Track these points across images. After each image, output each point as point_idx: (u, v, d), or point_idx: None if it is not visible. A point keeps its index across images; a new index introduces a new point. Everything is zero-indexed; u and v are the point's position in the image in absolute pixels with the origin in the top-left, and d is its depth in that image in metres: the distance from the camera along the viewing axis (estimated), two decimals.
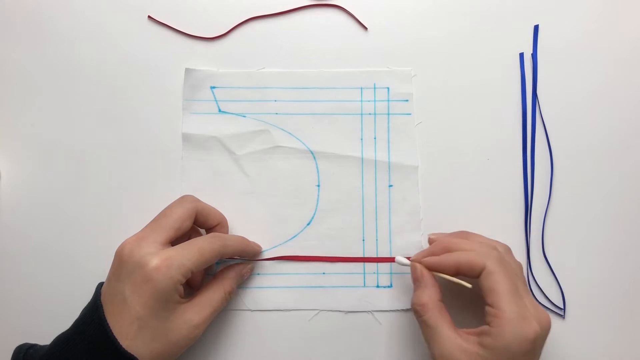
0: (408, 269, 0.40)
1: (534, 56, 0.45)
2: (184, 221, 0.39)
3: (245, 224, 0.44)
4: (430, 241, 0.42)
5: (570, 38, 0.45)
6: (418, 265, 0.39)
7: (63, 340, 0.36)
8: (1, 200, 0.45)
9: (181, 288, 0.36)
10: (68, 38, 0.46)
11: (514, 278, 0.36)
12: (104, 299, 0.36)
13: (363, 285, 0.43)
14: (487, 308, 0.35)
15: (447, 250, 0.39)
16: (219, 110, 0.45)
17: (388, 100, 0.45)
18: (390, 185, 0.44)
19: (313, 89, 0.45)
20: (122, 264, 0.36)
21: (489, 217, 0.44)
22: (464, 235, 0.41)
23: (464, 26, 0.45)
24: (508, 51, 0.45)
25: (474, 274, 0.36)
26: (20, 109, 0.45)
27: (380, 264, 0.43)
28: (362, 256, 0.43)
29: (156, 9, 0.46)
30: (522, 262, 0.43)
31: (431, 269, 0.38)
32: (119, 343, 0.34)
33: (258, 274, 0.43)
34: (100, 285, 0.38)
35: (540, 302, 0.43)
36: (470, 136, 0.45)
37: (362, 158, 0.44)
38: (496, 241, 0.40)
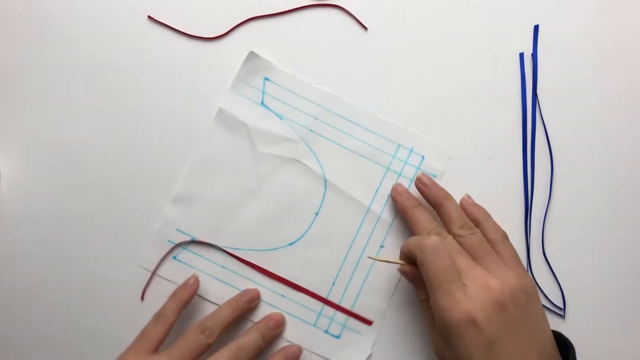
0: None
1: (534, 56, 0.45)
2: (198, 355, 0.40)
3: (235, 217, 0.44)
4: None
5: (570, 38, 0.45)
6: (405, 267, 0.39)
7: None
8: (1, 200, 0.45)
9: None
10: (68, 38, 0.46)
11: (447, 264, 0.36)
12: None
13: (314, 324, 0.43)
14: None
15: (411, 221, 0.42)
16: (261, 102, 0.44)
17: (418, 168, 0.44)
18: (382, 246, 0.44)
19: (355, 124, 0.44)
20: None
21: None
22: (440, 198, 0.42)
23: (464, 26, 0.45)
24: (508, 51, 0.45)
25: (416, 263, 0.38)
26: (20, 109, 0.45)
27: (338, 313, 0.43)
28: (325, 297, 0.43)
29: (156, 9, 0.46)
30: (521, 262, 0.44)
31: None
32: None
33: (224, 267, 0.44)
34: None
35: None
36: (470, 136, 0.45)
37: (369, 209, 0.44)
38: (465, 211, 0.41)
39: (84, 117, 0.45)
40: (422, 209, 0.42)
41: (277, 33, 0.46)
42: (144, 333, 0.40)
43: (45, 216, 0.43)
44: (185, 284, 0.43)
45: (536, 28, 0.45)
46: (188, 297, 0.42)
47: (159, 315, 0.41)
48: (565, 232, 0.44)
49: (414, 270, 0.38)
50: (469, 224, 0.40)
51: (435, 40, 0.45)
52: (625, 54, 0.45)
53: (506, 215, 0.44)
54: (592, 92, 0.45)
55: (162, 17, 0.46)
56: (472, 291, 0.35)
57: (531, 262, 0.44)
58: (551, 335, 0.37)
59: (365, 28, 0.46)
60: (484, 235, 0.39)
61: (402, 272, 0.39)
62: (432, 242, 0.37)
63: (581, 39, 0.45)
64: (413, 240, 0.38)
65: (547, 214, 0.44)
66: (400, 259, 0.40)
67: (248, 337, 0.41)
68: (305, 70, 0.45)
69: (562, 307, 0.43)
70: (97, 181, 0.44)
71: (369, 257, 0.42)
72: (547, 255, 0.44)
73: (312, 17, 0.46)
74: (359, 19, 0.45)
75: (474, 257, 0.38)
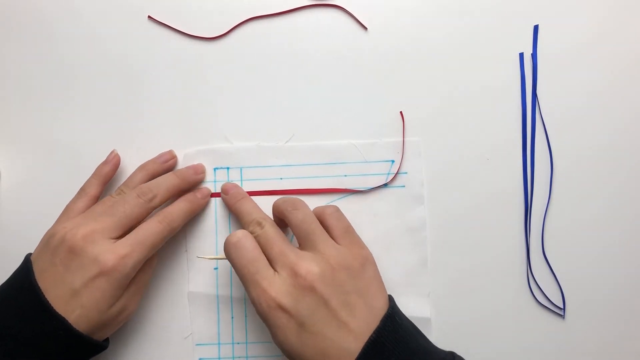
0: None
1: (534, 56, 0.45)
2: (139, 221, 0.40)
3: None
4: None
5: (570, 38, 0.45)
6: None
7: None
8: (1, 200, 0.45)
9: (131, 278, 0.38)
10: (68, 38, 0.46)
11: (248, 257, 0.36)
12: (39, 276, 0.36)
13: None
14: None
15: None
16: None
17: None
18: None
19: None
20: (74, 255, 0.36)
21: (489, 217, 0.44)
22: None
23: (464, 26, 0.45)
24: (508, 51, 0.45)
25: None
26: (20, 109, 0.45)
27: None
28: None
29: (156, 9, 0.46)
30: (521, 262, 0.44)
31: None
32: (66, 320, 0.35)
33: None
34: (29, 255, 0.39)
35: (540, 302, 0.43)
36: (470, 136, 0.45)
37: None
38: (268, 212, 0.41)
39: (84, 117, 0.45)
40: (246, 200, 0.42)
41: (277, 33, 0.46)
42: (67, 208, 0.41)
43: (46, 216, 0.43)
44: (106, 160, 0.43)
45: (536, 28, 0.45)
46: (109, 172, 0.43)
47: (81, 191, 0.42)
48: (565, 232, 0.44)
49: None
50: (296, 203, 0.40)
51: (435, 40, 0.45)
52: (625, 54, 0.45)
53: (506, 215, 0.44)
54: (592, 92, 0.45)
55: (162, 17, 0.46)
56: (280, 278, 0.35)
57: (531, 262, 0.44)
58: (382, 305, 0.36)
59: (365, 28, 0.45)
60: (316, 210, 0.40)
61: None
62: (234, 237, 0.37)
63: (581, 39, 0.45)
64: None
65: (547, 214, 0.44)
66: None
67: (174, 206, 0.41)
68: (305, 72, 0.45)
69: (562, 307, 0.43)
70: None
71: (198, 257, 0.42)
72: (547, 255, 0.44)
73: (312, 17, 0.46)
74: (359, 19, 0.45)
75: (298, 236, 0.38)
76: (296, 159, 0.44)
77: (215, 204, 0.44)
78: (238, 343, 0.43)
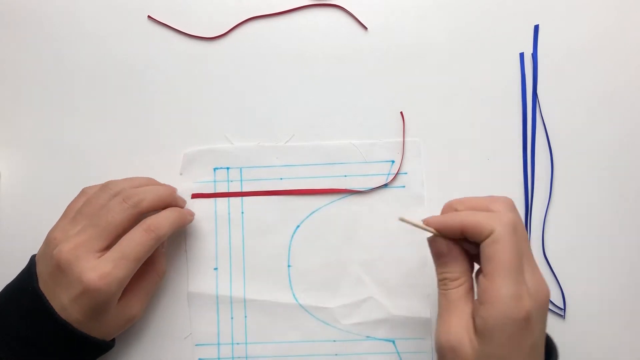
0: None
1: (534, 56, 0.45)
2: (125, 228, 0.38)
3: None
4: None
5: (570, 38, 0.45)
6: (438, 239, 0.35)
7: None
8: (1, 200, 0.45)
9: (119, 294, 0.37)
10: (68, 38, 0.46)
11: (521, 249, 0.32)
12: (40, 281, 0.37)
13: None
14: (481, 278, 0.32)
15: (453, 209, 0.35)
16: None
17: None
18: None
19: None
20: (60, 271, 0.36)
21: None
22: (486, 203, 0.35)
23: (464, 26, 0.45)
24: (508, 51, 0.45)
25: (480, 238, 0.32)
26: (20, 109, 0.45)
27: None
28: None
29: (156, 9, 0.46)
30: None
31: (435, 228, 0.35)
32: (61, 318, 0.35)
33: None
34: (34, 257, 0.39)
35: None
36: (470, 136, 0.45)
37: None
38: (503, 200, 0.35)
39: (84, 117, 0.45)
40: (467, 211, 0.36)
41: (277, 33, 0.46)
42: (68, 208, 0.40)
43: (46, 216, 0.43)
44: (129, 179, 0.41)
45: (536, 28, 0.45)
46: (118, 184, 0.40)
47: (82, 193, 0.41)
48: (565, 232, 0.44)
49: (450, 246, 0.34)
50: None
51: (435, 40, 0.45)
52: (625, 54, 0.45)
53: None
54: (592, 92, 0.45)
55: (162, 17, 0.46)
56: (531, 288, 0.32)
57: None
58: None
59: (365, 28, 0.45)
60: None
61: (435, 243, 0.35)
62: (513, 218, 0.32)
63: (581, 38, 0.45)
64: (481, 214, 0.33)
65: (547, 214, 0.44)
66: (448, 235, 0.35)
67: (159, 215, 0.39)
68: (305, 72, 0.45)
69: (562, 307, 0.43)
70: (96, 181, 0.44)
71: (400, 219, 0.36)
72: (547, 255, 0.44)
73: (312, 17, 0.46)
74: (359, 19, 0.45)
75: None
76: (296, 159, 0.44)
77: (215, 205, 0.44)
78: (238, 343, 0.43)
